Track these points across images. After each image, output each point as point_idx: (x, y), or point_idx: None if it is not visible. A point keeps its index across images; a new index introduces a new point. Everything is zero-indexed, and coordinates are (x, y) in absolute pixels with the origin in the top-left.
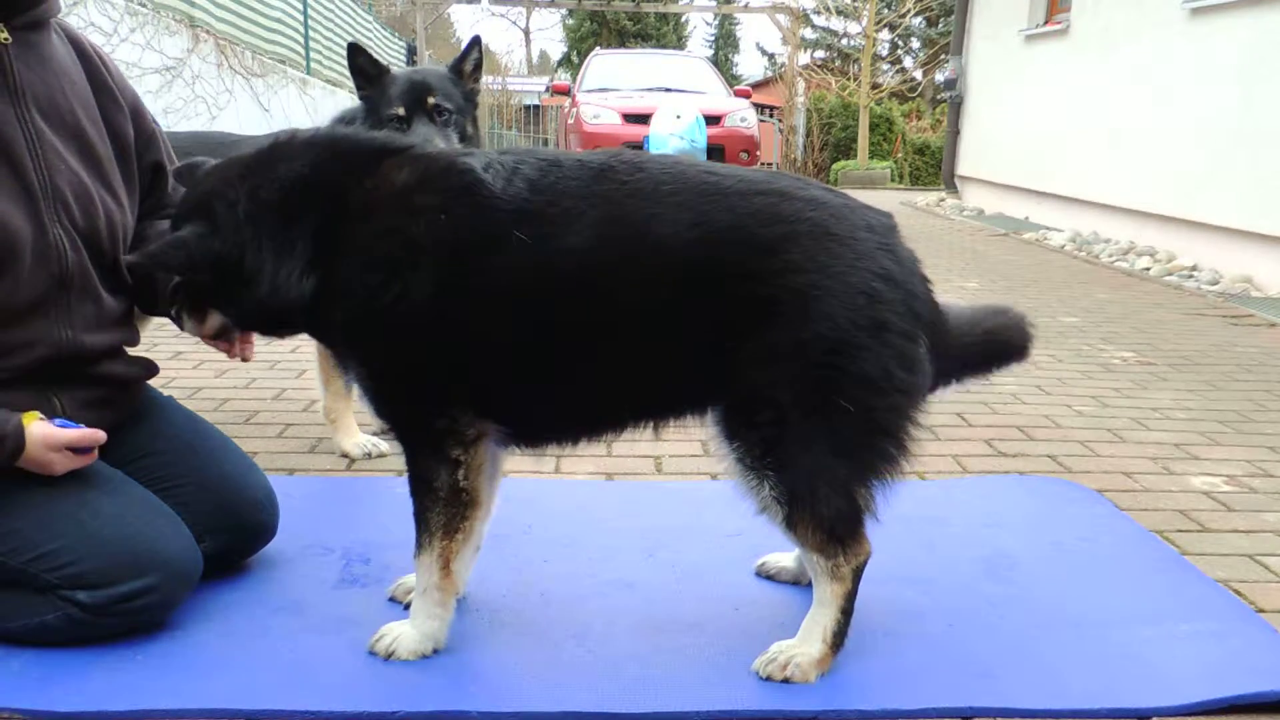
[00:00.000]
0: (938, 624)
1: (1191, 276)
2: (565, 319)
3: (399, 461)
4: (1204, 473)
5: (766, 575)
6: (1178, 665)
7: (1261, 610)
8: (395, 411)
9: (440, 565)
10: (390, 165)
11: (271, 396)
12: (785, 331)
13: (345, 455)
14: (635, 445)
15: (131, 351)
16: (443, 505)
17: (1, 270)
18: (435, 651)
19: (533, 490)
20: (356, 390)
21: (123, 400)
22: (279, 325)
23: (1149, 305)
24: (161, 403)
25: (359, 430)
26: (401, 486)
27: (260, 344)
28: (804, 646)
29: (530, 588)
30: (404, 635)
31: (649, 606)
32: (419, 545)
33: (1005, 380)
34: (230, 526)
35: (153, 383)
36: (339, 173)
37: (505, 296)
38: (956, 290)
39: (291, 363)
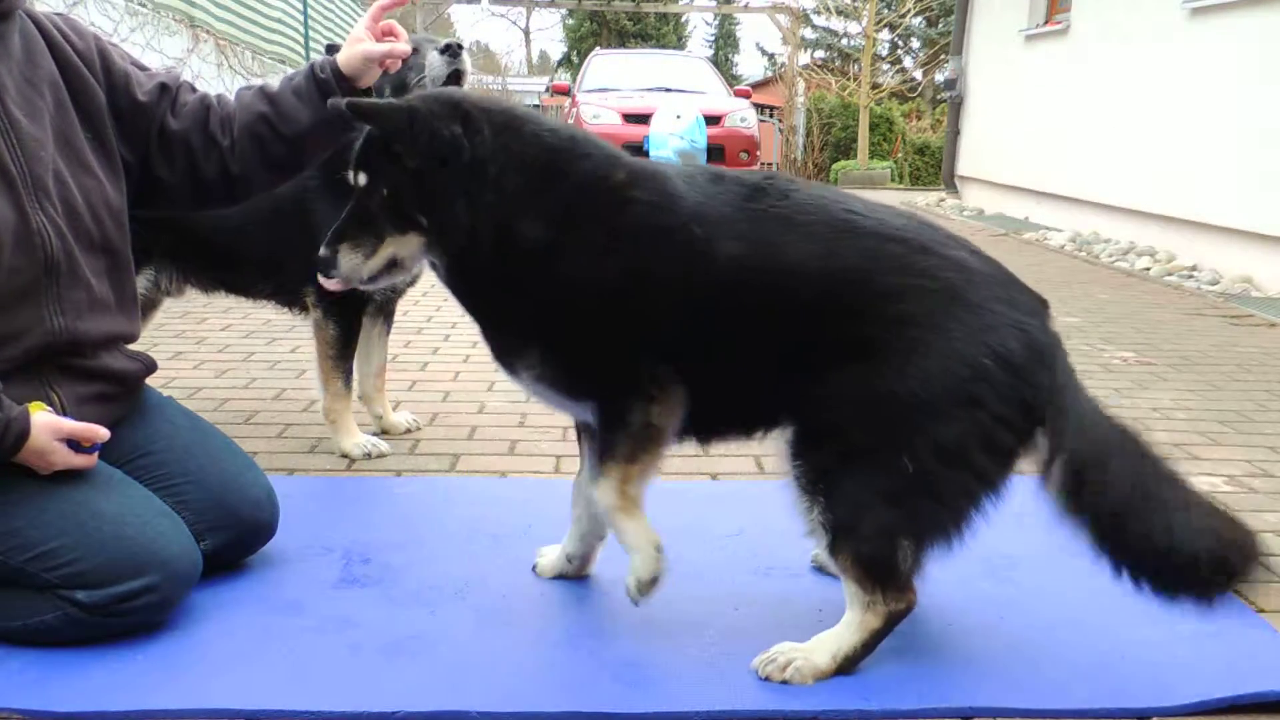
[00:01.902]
0: (938, 624)
1: (1191, 276)
2: (706, 314)
3: (399, 461)
4: (1204, 473)
5: (820, 566)
6: (1178, 665)
7: (1261, 610)
8: (597, 361)
9: (618, 489)
10: (617, 170)
11: (271, 396)
12: (880, 377)
13: (345, 455)
14: None
15: (130, 347)
16: (631, 438)
17: None
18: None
19: (533, 490)
20: (357, 389)
21: (122, 396)
22: (471, 255)
23: (1149, 305)
24: (161, 402)
25: (359, 430)
26: (401, 486)
27: (260, 344)
28: (812, 655)
29: (530, 588)
30: (636, 566)
31: (649, 606)
32: (601, 473)
33: None
34: (230, 526)
35: (152, 382)
36: (593, 167)
37: (669, 285)
38: None
39: (291, 363)
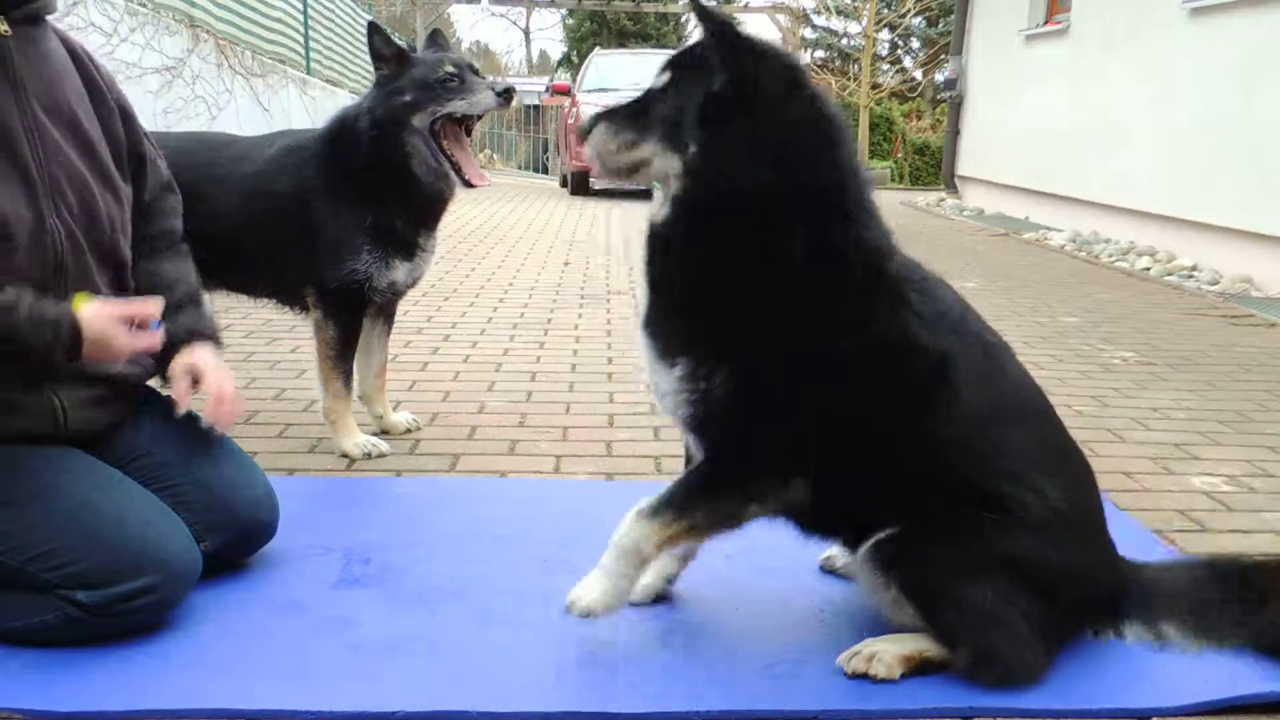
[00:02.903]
0: None
1: (1191, 276)
2: (896, 442)
3: (399, 461)
4: (1204, 473)
5: (831, 570)
6: (1178, 665)
7: None
8: (745, 425)
9: (661, 538)
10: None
11: (271, 396)
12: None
13: (345, 455)
14: (635, 445)
15: None
16: (712, 511)
17: None
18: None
19: (533, 490)
20: (357, 389)
21: (123, 399)
22: (707, 208)
23: (1149, 305)
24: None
25: (359, 430)
26: (401, 486)
27: (260, 344)
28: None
29: (530, 588)
30: (589, 588)
31: (649, 606)
32: (657, 513)
33: None
34: (230, 526)
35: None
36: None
37: (887, 401)
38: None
39: (291, 363)
